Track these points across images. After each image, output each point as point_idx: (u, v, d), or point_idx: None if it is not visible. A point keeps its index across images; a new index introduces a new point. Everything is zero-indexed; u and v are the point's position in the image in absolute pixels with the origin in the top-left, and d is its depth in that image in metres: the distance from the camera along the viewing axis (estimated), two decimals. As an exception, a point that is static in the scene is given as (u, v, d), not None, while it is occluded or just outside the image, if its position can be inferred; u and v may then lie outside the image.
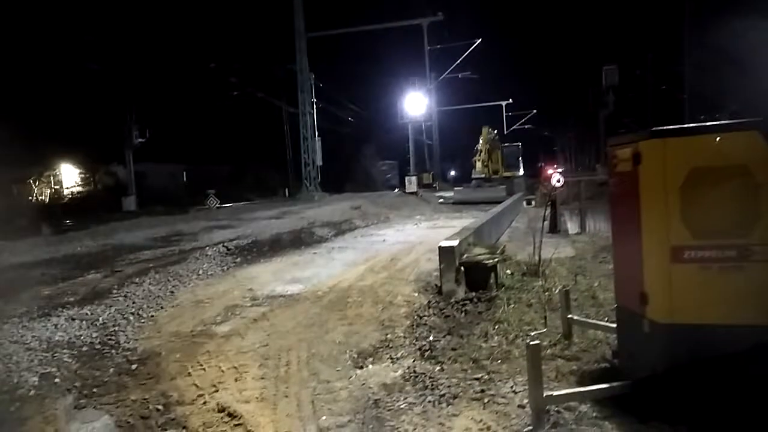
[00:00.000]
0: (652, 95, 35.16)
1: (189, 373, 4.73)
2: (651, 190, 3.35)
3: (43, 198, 29.61)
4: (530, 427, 3.27)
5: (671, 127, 3.37)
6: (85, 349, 5.46)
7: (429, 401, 3.86)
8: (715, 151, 3.23)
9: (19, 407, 4.32)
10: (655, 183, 3.32)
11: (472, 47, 35.50)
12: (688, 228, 3.24)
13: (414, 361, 4.69)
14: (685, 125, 3.41)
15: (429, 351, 4.87)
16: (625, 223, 3.61)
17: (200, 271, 8.80)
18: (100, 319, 6.29)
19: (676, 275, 3.26)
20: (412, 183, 30.61)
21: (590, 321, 4.85)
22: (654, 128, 3.37)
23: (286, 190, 35.33)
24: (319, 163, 31.35)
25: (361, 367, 4.69)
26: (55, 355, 5.29)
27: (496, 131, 32.47)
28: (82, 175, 31.20)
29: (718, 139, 3.22)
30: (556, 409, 3.40)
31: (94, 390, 4.51)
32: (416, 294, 6.89)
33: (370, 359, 4.87)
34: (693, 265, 3.24)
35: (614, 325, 4.23)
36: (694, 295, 3.25)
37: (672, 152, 3.30)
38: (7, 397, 4.49)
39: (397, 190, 33.27)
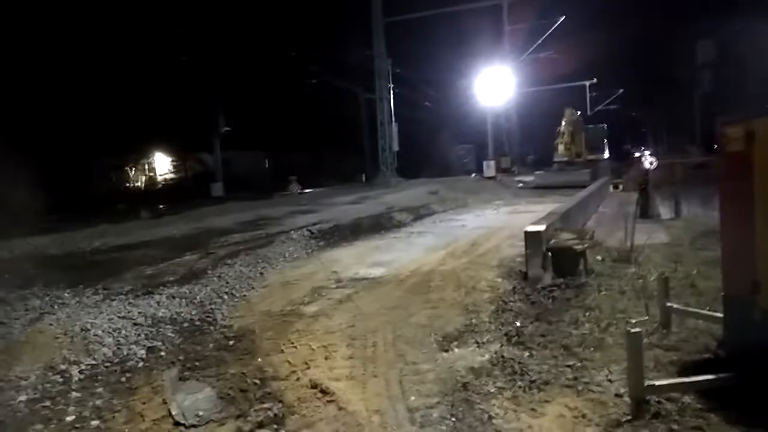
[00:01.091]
0: (753, 74, 32.47)
1: (282, 350, 4.93)
2: (765, 171, 3.13)
3: (139, 184, 31.64)
4: (629, 417, 3.16)
5: (789, 103, 3.12)
6: (186, 325, 5.81)
7: (519, 386, 3.82)
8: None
9: (129, 378, 4.66)
10: (771, 163, 3.10)
11: (555, 25, 34.07)
12: (808, 211, 3.00)
13: (501, 346, 4.65)
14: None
15: (516, 336, 4.80)
16: (736, 206, 3.39)
17: (286, 254, 9.11)
18: (198, 297, 6.67)
19: (794, 263, 3.03)
20: (490, 167, 30.06)
21: (691, 310, 4.60)
22: (769, 104, 3.13)
23: (364, 176, 35.72)
24: (396, 148, 31.43)
25: (447, 351, 4.70)
26: (160, 330, 5.66)
27: (579, 112, 31.16)
28: (174, 163, 33.01)
29: None
30: (657, 399, 3.26)
31: (196, 363, 4.80)
32: (500, 279, 6.79)
33: (456, 343, 4.86)
34: (813, 252, 3.00)
35: (717, 315, 4.00)
36: (814, 284, 3.01)
37: (790, 130, 3.06)
38: (118, 368, 4.86)
39: (474, 174, 32.78)
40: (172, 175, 32.85)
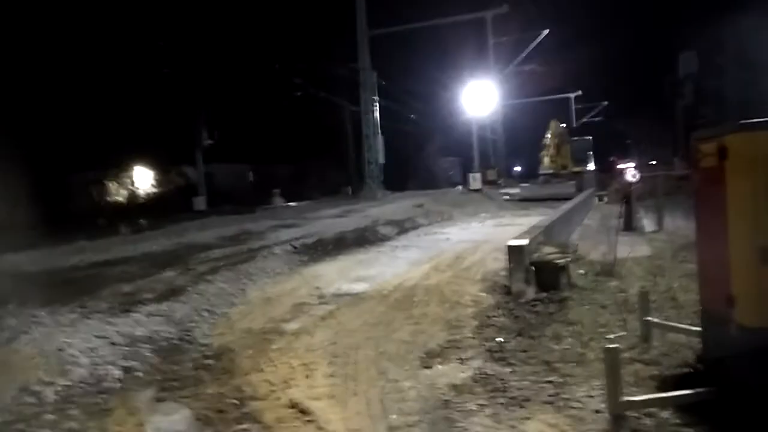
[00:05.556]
0: (735, 84, 33.03)
1: (261, 369, 4.86)
2: (738, 187, 3.16)
3: (120, 199, 31.28)
4: (608, 434, 3.15)
5: (760, 119, 3.16)
6: (163, 344, 5.71)
7: (500, 403, 3.79)
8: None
9: (105, 399, 4.56)
10: (743, 179, 3.13)
11: (539, 38, 34.53)
12: (780, 227, 3.03)
13: (483, 362, 4.62)
14: (776, 117, 3.18)
15: (498, 352, 4.78)
16: (710, 221, 3.41)
17: (268, 269, 9.01)
18: (177, 315, 6.56)
19: (767, 277, 3.05)
20: (476, 180, 30.18)
21: (671, 324, 4.61)
22: (742, 121, 3.17)
23: (349, 189, 35.70)
24: (382, 161, 31.46)
25: (429, 367, 4.66)
26: (137, 349, 5.55)
27: (564, 125, 31.48)
28: (155, 177, 32.67)
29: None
30: (636, 415, 3.25)
31: (173, 383, 4.71)
32: (483, 294, 6.79)
33: (438, 359, 4.83)
34: (786, 267, 3.02)
35: (697, 329, 4.01)
36: (787, 299, 3.03)
37: (761, 146, 3.09)
38: (93, 389, 4.75)
39: (460, 187, 32.90)
40: (154, 189, 32.50)
